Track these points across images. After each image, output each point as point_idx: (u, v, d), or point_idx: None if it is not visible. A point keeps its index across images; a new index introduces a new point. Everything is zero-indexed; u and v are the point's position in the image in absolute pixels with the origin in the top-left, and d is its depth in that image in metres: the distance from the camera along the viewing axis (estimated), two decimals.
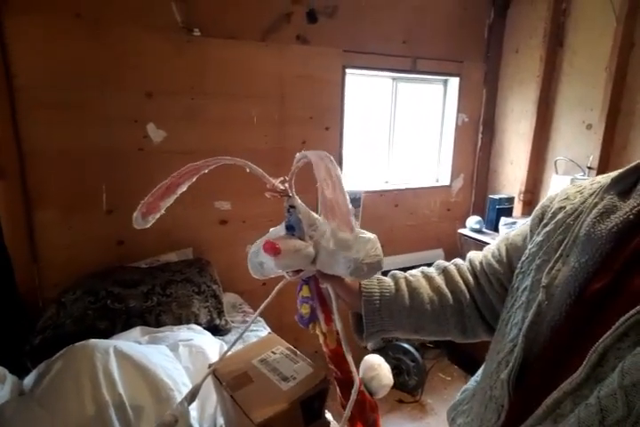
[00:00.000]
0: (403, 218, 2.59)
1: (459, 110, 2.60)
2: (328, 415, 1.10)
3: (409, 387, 2.28)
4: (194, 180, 0.70)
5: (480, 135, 2.70)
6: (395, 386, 2.34)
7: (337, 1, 2.05)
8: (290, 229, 0.71)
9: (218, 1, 1.81)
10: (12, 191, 1.60)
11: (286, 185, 0.70)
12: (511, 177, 2.61)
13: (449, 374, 2.51)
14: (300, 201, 0.71)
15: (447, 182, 2.72)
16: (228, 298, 1.99)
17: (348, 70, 2.18)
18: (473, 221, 2.46)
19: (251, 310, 1.94)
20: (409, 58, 2.33)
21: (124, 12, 1.66)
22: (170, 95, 1.81)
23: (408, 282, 0.75)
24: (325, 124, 2.18)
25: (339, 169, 0.61)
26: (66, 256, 1.76)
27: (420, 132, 2.69)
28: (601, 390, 0.41)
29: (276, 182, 0.70)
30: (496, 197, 2.44)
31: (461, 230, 2.55)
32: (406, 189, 2.57)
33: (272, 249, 0.64)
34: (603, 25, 2.01)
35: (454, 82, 2.56)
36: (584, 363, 0.44)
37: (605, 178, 0.57)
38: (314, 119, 2.14)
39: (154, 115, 1.79)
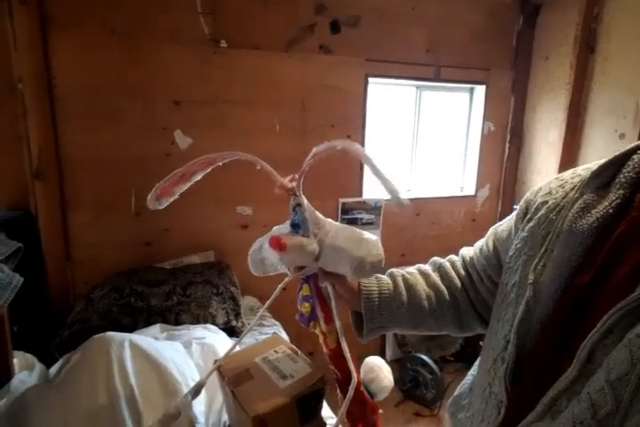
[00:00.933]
0: (425, 228, 2.56)
1: (485, 118, 2.56)
2: (331, 418, 1.10)
3: (426, 400, 2.23)
4: (208, 170, 0.73)
5: (507, 144, 2.64)
6: (412, 398, 2.30)
7: (359, 11, 2.09)
8: (295, 227, 0.73)
9: (243, 14, 1.89)
10: (50, 193, 1.72)
11: (294, 184, 0.72)
12: None
13: None
14: (306, 200, 0.73)
15: (472, 192, 2.67)
16: (247, 301, 2.03)
17: (370, 79, 2.21)
18: None
19: (268, 314, 1.97)
20: (432, 66, 2.32)
21: (155, 27, 1.77)
22: (196, 104, 1.90)
23: (405, 279, 0.76)
24: (347, 133, 2.21)
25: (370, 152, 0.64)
26: (97, 255, 1.87)
27: (445, 141, 2.67)
28: (590, 386, 0.42)
29: (285, 180, 0.73)
30: None
31: None
32: (429, 198, 2.55)
33: (278, 244, 0.67)
34: (637, 30, 1.94)
35: (480, 90, 2.53)
36: (574, 361, 0.45)
37: (585, 171, 0.58)
38: (335, 127, 2.17)
39: (181, 122, 1.89)
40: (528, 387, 0.52)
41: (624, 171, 0.51)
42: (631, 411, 0.39)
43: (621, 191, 0.50)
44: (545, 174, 2.47)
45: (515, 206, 2.45)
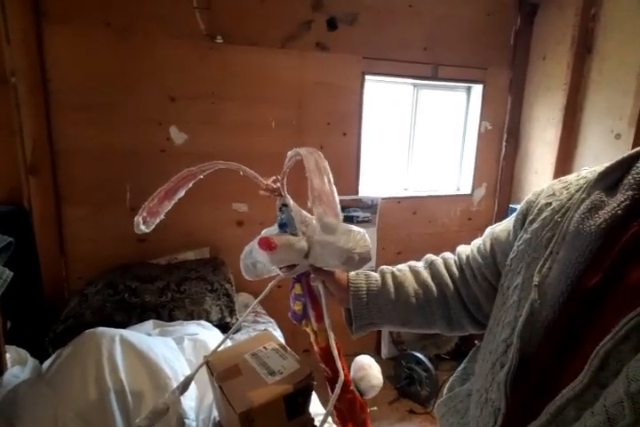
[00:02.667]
0: (421, 226, 2.56)
1: (482, 118, 2.56)
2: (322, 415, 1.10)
3: (421, 398, 2.23)
4: (190, 185, 0.74)
5: (504, 143, 2.64)
6: (406, 396, 2.31)
7: (357, 8, 2.08)
8: (283, 226, 0.74)
9: (240, 9, 1.89)
10: (44, 188, 1.71)
11: (278, 184, 0.73)
12: (536, 187, 2.50)
13: None
14: (291, 200, 0.74)
15: (468, 191, 2.67)
16: (242, 298, 2.03)
17: (367, 77, 2.20)
18: None
19: (263, 311, 1.97)
20: (430, 65, 2.32)
21: (151, 22, 1.77)
22: (192, 99, 1.89)
23: (394, 276, 0.76)
24: (343, 130, 2.20)
25: (326, 162, 0.65)
26: (91, 251, 1.87)
27: (442, 140, 2.67)
28: (607, 398, 0.40)
29: (269, 182, 0.74)
30: (517, 206, 2.37)
31: None
32: (425, 196, 2.55)
33: (267, 244, 0.67)
34: (634, 30, 1.94)
35: (478, 89, 2.53)
36: (586, 368, 0.42)
37: (591, 173, 0.57)
38: (331, 125, 2.17)
39: (176, 118, 1.88)
40: (529, 394, 0.50)
41: (632, 172, 0.50)
42: None
43: (630, 192, 0.48)
44: (541, 174, 2.47)
45: (511, 206, 2.46)
